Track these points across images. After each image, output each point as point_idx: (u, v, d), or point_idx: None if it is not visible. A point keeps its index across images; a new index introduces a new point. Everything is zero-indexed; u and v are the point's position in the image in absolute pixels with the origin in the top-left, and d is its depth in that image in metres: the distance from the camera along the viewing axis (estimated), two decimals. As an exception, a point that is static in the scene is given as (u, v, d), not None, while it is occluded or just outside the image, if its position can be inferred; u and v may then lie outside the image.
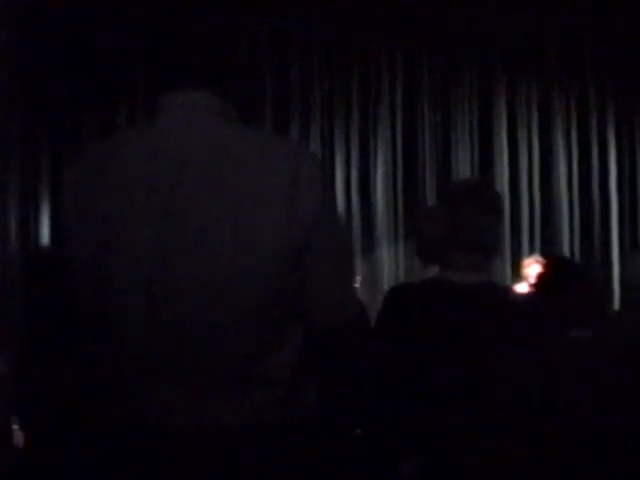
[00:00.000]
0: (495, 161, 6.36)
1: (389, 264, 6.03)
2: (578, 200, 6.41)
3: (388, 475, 2.34)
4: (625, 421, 2.25)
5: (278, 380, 1.57)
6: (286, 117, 6.17)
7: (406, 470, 2.30)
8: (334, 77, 6.22)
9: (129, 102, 5.87)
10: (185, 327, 1.53)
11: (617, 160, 6.41)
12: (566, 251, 6.28)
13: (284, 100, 6.15)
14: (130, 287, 1.54)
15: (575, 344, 2.43)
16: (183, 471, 1.54)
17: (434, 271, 2.51)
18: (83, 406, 1.93)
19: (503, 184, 6.20)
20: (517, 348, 2.25)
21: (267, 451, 1.55)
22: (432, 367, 2.26)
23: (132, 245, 1.53)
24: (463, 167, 6.32)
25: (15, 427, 2.83)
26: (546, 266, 2.81)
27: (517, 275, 5.28)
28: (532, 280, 2.67)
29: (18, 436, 2.82)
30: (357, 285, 4.86)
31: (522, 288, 4.60)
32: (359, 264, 5.63)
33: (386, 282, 5.78)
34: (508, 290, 2.83)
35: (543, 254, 5.63)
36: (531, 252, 6.03)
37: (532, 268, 4.83)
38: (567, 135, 6.41)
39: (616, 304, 5.63)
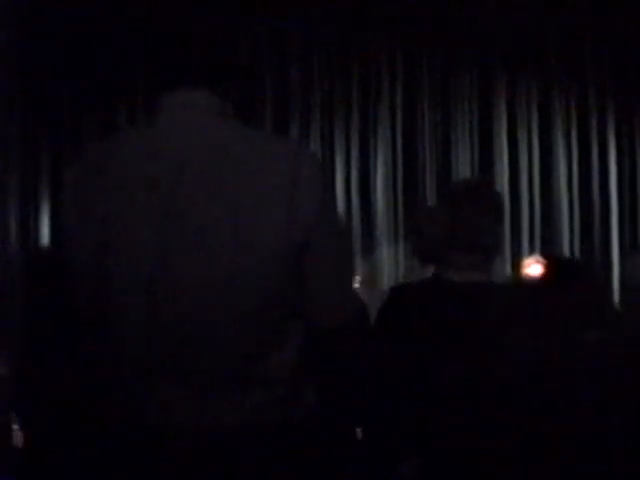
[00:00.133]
0: (495, 161, 6.35)
1: (389, 264, 6.02)
2: (578, 200, 6.40)
3: (388, 475, 2.34)
4: (625, 421, 2.25)
5: (278, 380, 1.57)
6: (286, 117, 6.16)
7: (406, 470, 2.30)
8: (334, 77, 6.21)
9: (129, 102, 5.86)
10: (185, 327, 1.53)
11: (617, 160, 6.40)
12: (566, 251, 6.27)
13: (284, 100, 6.14)
14: (130, 287, 1.54)
15: (578, 345, 2.43)
16: (183, 471, 1.54)
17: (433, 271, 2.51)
18: (83, 406, 1.94)
19: (503, 184, 6.19)
20: (517, 348, 2.24)
21: (267, 451, 1.55)
22: (432, 367, 2.26)
23: (132, 245, 1.53)
24: (463, 167, 6.31)
25: (15, 427, 2.83)
26: (546, 266, 2.80)
27: (517, 275, 5.27)
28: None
29: (18, 436, 2.82)
30: (357, 285, 4.86)
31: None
32: (359, 264, 5.62)
33: (386, 282, 5.77)
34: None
35: (543, 254, 5.63)
36: (531, 252, 6.02)
37: (532, 268, 4.82)
38: (567, 135, 6.41)
39: (616, 304, 5.62)
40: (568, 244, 6.35)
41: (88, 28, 5.53)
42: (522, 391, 2.22)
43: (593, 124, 6.41)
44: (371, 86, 6.28)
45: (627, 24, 5.77)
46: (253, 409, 1.55)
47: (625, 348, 2.40)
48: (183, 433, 1.54)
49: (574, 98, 6.38)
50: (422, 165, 6.31)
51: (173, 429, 1.54)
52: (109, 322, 1.57)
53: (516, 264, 5.53)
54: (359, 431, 2.57)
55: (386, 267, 6.01)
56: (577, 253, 6.31)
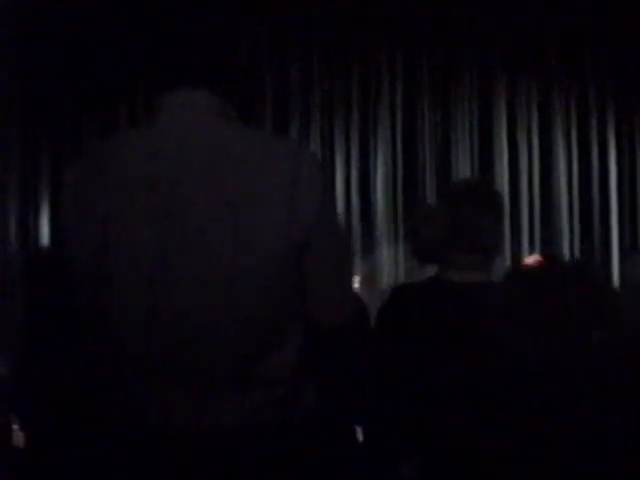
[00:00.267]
0: (495, 161, 6.35)
1: (389, 264, 6.02)
2: (578, 200, 6.40)
3: (388, 475, 2.34)
4: (625, 421, 2.25)
5: (278, 380, 1.57)
6: (286, 117, 6.16)
7: (406, 470, 2.30)
8: (334, 77, 6.22)
9: (129, 102, 5.86)
10: (185, 327, 1.53)
11: (617, 160, 6.40)
12: (566, 251, 6.27)
13: (284, 100, 6.14)
14: (130, 287, 1.54)
15: (579, 345, 2.43)
16: (183, 471, 1.54)
17: (432, 271, 2.51)
18: (83, 406, 1.94)
19: (503, 184, 6.19)
20: (517, 348, 2.24)
21: (267, 451, 1.55)
22: (432, 367, 2.25)
23: (132, 245, 1.53)
24: (463, 167, 6.31)
25: (15, 427, 2.83)
26: (546, 266, 2.80)
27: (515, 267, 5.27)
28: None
29: (18, 436, 2.82)
30: (357, 285, 4.86)
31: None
32: (359, 264, 5.62)
33: (386, 282, 5.77)
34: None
35: (543, 254, 5.63)
36: (531, 252, 6.03)
37: (532, 268, 4.82)
38: (567, 135, 6.41)
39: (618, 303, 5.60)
40: (568, 244, 6.35)
41: (88, 28, 5.53)
42: (522, 391, 2.22)
43: (593, 124, 6.40)
44: (371, 86, 6.28)
45: (627, 24, 5.77)
46: (253, 409, 1.55)
47: (625, 348, 2.40)
48: (183, 433, 1.54)
49: (574, 98, 6.38)
50: (422, 165, 6.31)
51: (173, 429, 1.54)
52: (109, 322, 1.57)
53: (516, 264, 5.53)
54: (359, 431, 2.57)
55: (386, 267, 6.01)
56: (577, 253, 6.31)
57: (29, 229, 5.98)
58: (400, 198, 6.24)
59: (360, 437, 2.57)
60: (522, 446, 2.18)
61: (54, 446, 2.62)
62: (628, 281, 2.90)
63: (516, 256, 5.84)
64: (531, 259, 5.12)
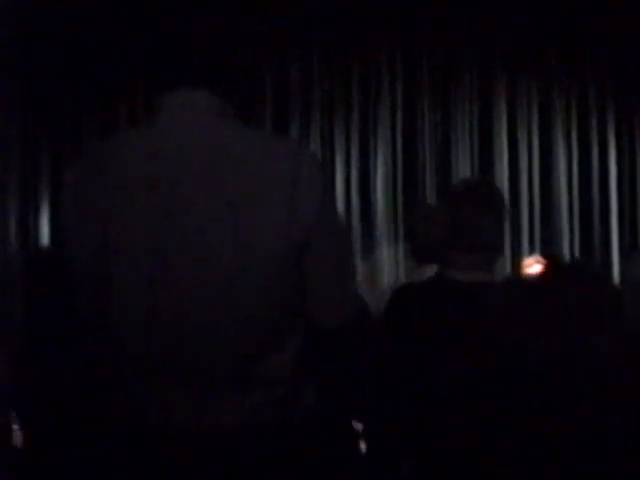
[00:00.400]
0: (495, 161, 6.35)
1: (389, 264, 6.02)
2: (578, 200, 6.40)
3: (388, 475, 2.34)
4: (625, 421, 2.25)
5: (278, 380, 1.57)
6: (286, 117, 6.16)
7: (406, 470, 2.30)
8: (334, 77, 6.22)
9: (129, 102, 5.86)
10: (185, 327, 1.53)
11: (617, 160, 6.40)
12: (566, 251, 6.27)
13: (284, 100, 6.14)
14: (130, 287, 1.54)
15: (579, 345, 2.43)
16: (183, 471, 1.54)
17: (432, 271, 2.51)
18: (83, 406, 1.94)
19: (503, 184, 6.18)
20: (518, 348, 2.24)
21: (267, 451, 1.55)
22: (436, 366, 2.25)
23: (132, 245, 1.53)
24: (463, 167, 6.31)
25: (15, 427, 2.83)
26: (547, 266, 2.80)
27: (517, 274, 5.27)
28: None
29: (18, 436, 2.82)
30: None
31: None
32: (359, 264, 5.62)
33: (386, 282, 5.77)
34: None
35: (543, 254, 5.63)
36: (531, 252, 6.02)
37: (532, 268, 4.82)
38: (567, 135, 6.41)
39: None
40: (568, 244, 6.35)
41: (88, 28, 5.53)
42: (523, 391, 2.22)
43: (593, 124, 6.40)
44: (371, 86, 6.28)
45: (627, 24, 5.77)
46: (253, 409, 1.55)
47: (625, 348, 2.40)
48: (183, 433, 1.54)
49: (574, 98, 6.38)
50: (422, 165, 6.31)
51: (173, 429, 1.54)
52: (109, 322, 1.57)
53: (516, 264, 5.53)
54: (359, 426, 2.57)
55: (386, 267, 6.01)
56: (577, 253, 6.32)
57: (29, 229, 5.98)
58: (400, 198, 6.24)
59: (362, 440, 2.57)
60: (522, 446, 2.18)
61: (54, 446, 2.61)
62: (628, 280, 2.90)
63: (516, 256, 5.84)
64: (531, 259, 5.12)
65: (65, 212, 1.63)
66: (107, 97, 5.87)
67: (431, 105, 6.33)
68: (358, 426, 2.59)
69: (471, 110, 6.36)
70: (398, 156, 6.32)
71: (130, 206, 1.54)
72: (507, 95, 6.35)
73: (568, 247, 6.34)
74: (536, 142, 6.40)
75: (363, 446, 2.56)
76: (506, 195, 6.09)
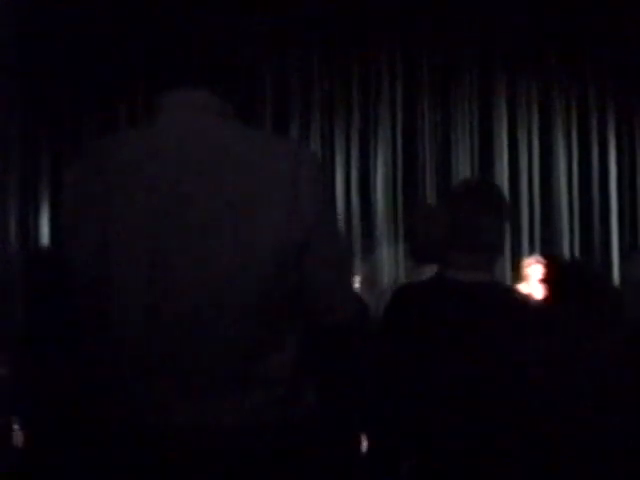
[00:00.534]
0: (495, 161, 6.35)
1: (389, 264, 6.03)
2: (578, 200, 6.40)
3: (388, 475, 2.34)
4: (625, 421, 2.25)
5: (278, 380, 1.57)
6: (286, 117, 6.17)
7: (406, 470, 2.30)
8: (334, 77, 6.22)
9: (129, 102, 5.87)
10: (185, 327, 1.53)
11: (617, 160, 6.40)
12: (566, 251, 6.28)
13: (284, 100, 6.15)
14: (130, 287, 1.54)
15: (579, 345, 2.43)
16: (183, 471, 1.54)
17: (431, 271, 2.51)
18: (83, 406, 1.94)
19: (503, 184, 6.19)
20: (519, 348, 2.24)
21: (267, 451, 1.55)
22: (437, 366, 2.25)
23: (132, 245, 1.53)
24: (463, 167, 6.32)
25: (15, 427, 2.83)
26: (548, 269, 2.80)
27: (517, 275, 5.28)
28: (540, 284, 2.66)
29: (18, 436, 2.83)
30: (357, 285, 4.85)
31: (523, 288, 4.60)
32: (359, 264, 5.62)
33: (386, 282, 5.77)
34: (513, 290, 2.82)
35: (543, 254, 5.63)
36: (531, 252, 6.03)
37: (532, 268, 4.82)
38: (567, 135, 6.41)
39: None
40: (568, 244, 6.35)
41: (88, 28, 5.54)
42: (523, 391, 2.22)
43: (593, 124, 6.40)
44: (371, 86, 6.29)
45: (627, 24, 5.77)
46: (253, 409, 1.55)
47: (625, 348, 2.40)
48: (183, 433, 1.54)
49: (574, 98, 6.38)
50: (422, 165, 6.32)
51: (173, 429, 1.54)
52: (109, 322, 1.57)
53: (516, 264, 5.54)
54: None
55: (386, 267, 6.02)
56: (577, 253, 6.32)
57: (29, 229, 5.98)
58: (400, 198, 6.25)
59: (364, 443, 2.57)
60: (522, 446, 2.18)
61: (54, 446, 2.62)
62: (628, 280, 2.89)
63: (516, 256, 5.84)
64: (531, 259, 5.13)
65: (65, 212, 1.63)
66: (107, 97, 5.88)
67: (431, 105, 6.33)
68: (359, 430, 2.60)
69: (471, 110, 6.36)
70: (398, 156, 6.32)
71: (130, 206, 1.54)
72: (507, 95, 6.36)
73: (568, 247, 6.34)
74: (536, 142, 6.40)
75: (363, 446, 2.56)
76: (506, 195, 6.10)
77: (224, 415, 1.54)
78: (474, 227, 2.33)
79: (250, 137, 1.61)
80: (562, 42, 6.11)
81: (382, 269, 5.99)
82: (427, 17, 5.94)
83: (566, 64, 6.26)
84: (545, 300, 2.58)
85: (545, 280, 2.61)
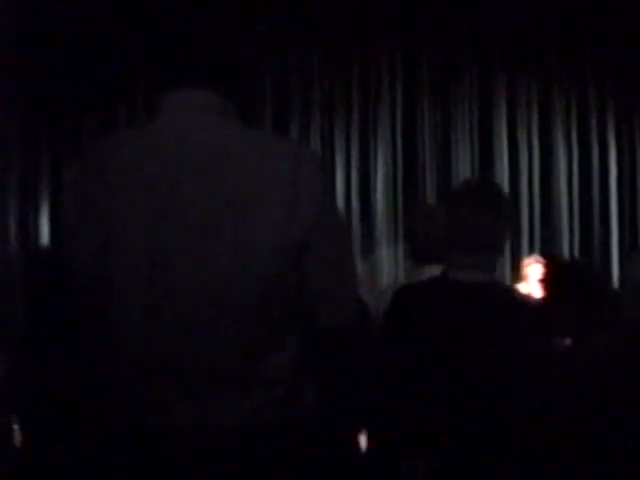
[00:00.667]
0: (495, 161, 6.35)
1: (389, 264, 6.02)
2: (578, 200, 6.40)
3: (388, 475, 2.34)
4: (625, 421, 2.25)
5: (278, 380, 1.57)
6: (286, 117, 6.17)
7: (406, 470, 2.30)
8: (334, 77, 6.22)
9: (129, 102, 5.87)
10: (185, 327, 1.53)
11: (617, 160, 6.40)
12: (566, 251, 6.27)
13: (284, 100, 6.15)
14: (130, 287, 1.54)
15: (579, 345, 2.44)
16: (183, 471, 1.54)
17: (431, 271, 2.50)
18: (83, 406, 1.93)
19: (503, 184, 6.18)
20: (519, 347, 2.25)
21: (267, 451, 1.55)
22: (438, 366, 2.25)
23: (132, 245, 1.53)
24: (463, 167, 6.31)
25: (15, 427, 2.83)
26: (548, 269, 2.80)
27: (517, 275, 5.28)
28: (539, 284, 2.66)
29: (18, 436, 2.83)
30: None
31: (523, 288, 4.60)
32: (359, 264, 5.61)
33: (386, 282, 5.77)
34: (513, 290, 2.82)
35: (543, 254, 5.63)
36: (531, 252, 6.03)
37: (532, 268, 4.82)
38: (567, 135, 6.41)
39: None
40: (568, 244, 6.35)
41: (88, 28, 5.53)
42: (523, 391, 2.22)
43: (593, 124, 6.40)
44: (371, 86, 6.28)
45: (627, 24, 5.77)
46: (253, 409, 1.55)
47: (625, 348, 2.40)
48: (183, 433, 1.54)
49: (574, 98, 6.38)
50: (422, 165, 6.31)
51: (173, 429, 1.54)
52: (109, 322, 1.57)
53: (516, 264, 5.53)
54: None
55: (386, 267, 6.01)
56: (577, 253, 6.32)
57: (29, 229, 5.98)
58: (400, 198, 6.24)
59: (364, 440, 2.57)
60: (522, 445, 2.18)
61: (54, 446, 2.62)
62: (628, 281, 2.89)
63: (516, 256, 5.84)
64: (531, 259, 5.13)
65: (65, 212, 1.63)
66: (107, 97, 5.87)
67: (431, 105, 6.33)
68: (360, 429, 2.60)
69: (471, 110, 6.36)
70: (398, 156, 6.32)
71: (130, 206, 1.54)
72: (507, 95, 6.35)
73: (568, 247, 6.34)
74: (536, 142, 6.40)
75: (363, 446, 2.56)
76: (506, 195, 6.09)
77: (224, 415, 1.54)
78: (474, 227, 2.33)
79: (250, 137, 1.61)
80: (562, 42, 6.11)
81: (382, 269, 5.99)
82: (427, 17, 5.93)
83: (566, 64, 6.26)
84: (544, 300, 2.58)
85: (544, 280, 2.61)
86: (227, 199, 1.52)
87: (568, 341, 2.44)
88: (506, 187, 6.16)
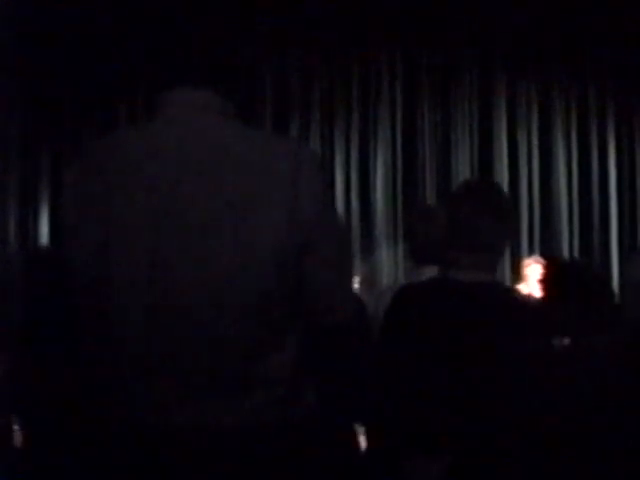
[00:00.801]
0: (495, 161, 6.36)
1: (388, 264, 6.02)
2: (578, 201, 6.40)
3: (388, 475, 2.34)
4: (625, 421, 2.25)
5: (278, 380, 1.57)
6: (286, 117, 6.17)
7: (407, 470, 2.30)
8: (334, 77, 6.22)
9: (129, 102, 5.87)
10: (185, 327, 1.53)
11: (617, 161, 6.40)
12: (566, 251, 6.28)
13: (284, 100, 6.15)
14: (130, 287, 1.54)
15: (580, 345, 2.44)
16: (183, 471, 1.54)
17: (431, 272, 2.50)
18: (83, 406, 1.94)
19: (503, 184, 6.19)
20: (519, 348, 2.24)
21: (267, 451, 1.55)
22: (438, 366, 2.25)
23: (132, 245, 1.53)
24: (463, 167, 6.32)
25: (15, 427, 2.83)
26: (547, 270, 2.80)
27: (517, 275, 5.28)
28: (539, 284, 2.67)
29: (18, 436, 2.82)
30: (356, 285, 4.85)
31: (522, 288, 4.60)
32: (358, 264, 5.62)
33: (385, 282, 5.77)
34: (513, 290, 2.82)
35: (543, 254, 5.63)
36: (531, 252, 6.03)
37: (532, 268, 4.83)
38: (567, 136, 6.41)
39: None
40: (568, 245, 6.35)
41: (88, 28, 5.54)
42: (523, 391, 2.22)
43: (593, 125, 6.40)
44: (371, 86, 6.29)
45: (627, 24, 5.77)
46: (253, 409, 1.55)
47: (625, 348, 2.40)
48: (183, 433, 1.54)
49: (574, 98, 6.38)
50: (422, 165, 6.32)
51: (173, 429, 1.54)
52: (109, 322, 1.57)
53: (516, 264, 5.54)
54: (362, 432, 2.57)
55: (385, 267, 6.01)
56: (577, 254, 6.32)
57: (29, 229, 5.99)
58: (400, 198, 6.25)
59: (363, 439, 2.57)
60: (522, 446, 2.18)
61: (54, 446, 2.61)
62: (628, 281, 2.89)
63: (516, 256, 5.84)
64: (531, 259, 5.13)
65: (65, 212, 1.63)
66: (107, 97, 5.88)
67: (431, 105, 6.33)
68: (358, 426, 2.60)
69: (471, 110, 6.36)
70: (398, 156, 6.32)
71: (130, 206, 1.54)
72: (507, 95, 6.36)
73: (568, 248, 6.34)
74: (536, 142, 6.40)
75: (363, 446, 2.56)
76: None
77: (224, 415, 1.54)
78: (474, 227, 2.33)
79: (250, 137, 1.61)
80: (562, 42, 6.11)
81: (381, 269, 5.99)
82: (427, 17, 5.94)
83: (566, 64, 6.27)
84: (544, 300, 2.58)
85: (544, 280, 2.61)
86: (227, 199, 1.52)
87: (568, 341, 2.44)
88: (506, 187, 6.16)
